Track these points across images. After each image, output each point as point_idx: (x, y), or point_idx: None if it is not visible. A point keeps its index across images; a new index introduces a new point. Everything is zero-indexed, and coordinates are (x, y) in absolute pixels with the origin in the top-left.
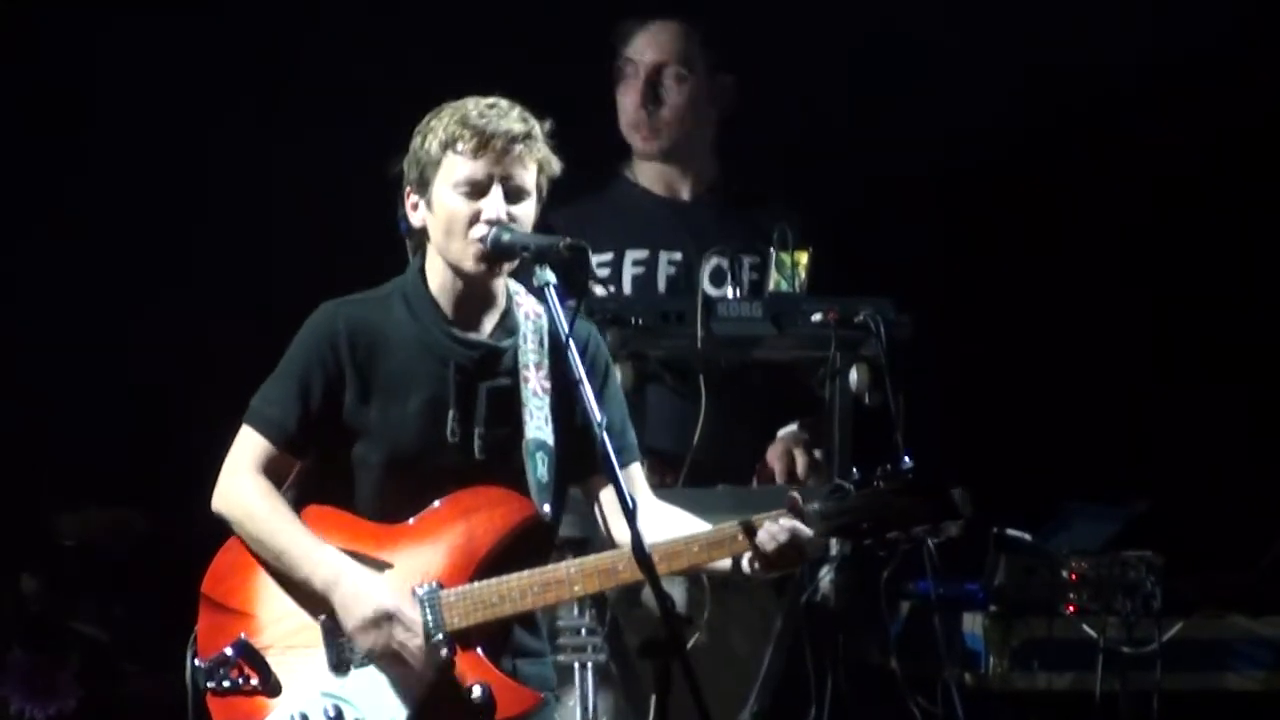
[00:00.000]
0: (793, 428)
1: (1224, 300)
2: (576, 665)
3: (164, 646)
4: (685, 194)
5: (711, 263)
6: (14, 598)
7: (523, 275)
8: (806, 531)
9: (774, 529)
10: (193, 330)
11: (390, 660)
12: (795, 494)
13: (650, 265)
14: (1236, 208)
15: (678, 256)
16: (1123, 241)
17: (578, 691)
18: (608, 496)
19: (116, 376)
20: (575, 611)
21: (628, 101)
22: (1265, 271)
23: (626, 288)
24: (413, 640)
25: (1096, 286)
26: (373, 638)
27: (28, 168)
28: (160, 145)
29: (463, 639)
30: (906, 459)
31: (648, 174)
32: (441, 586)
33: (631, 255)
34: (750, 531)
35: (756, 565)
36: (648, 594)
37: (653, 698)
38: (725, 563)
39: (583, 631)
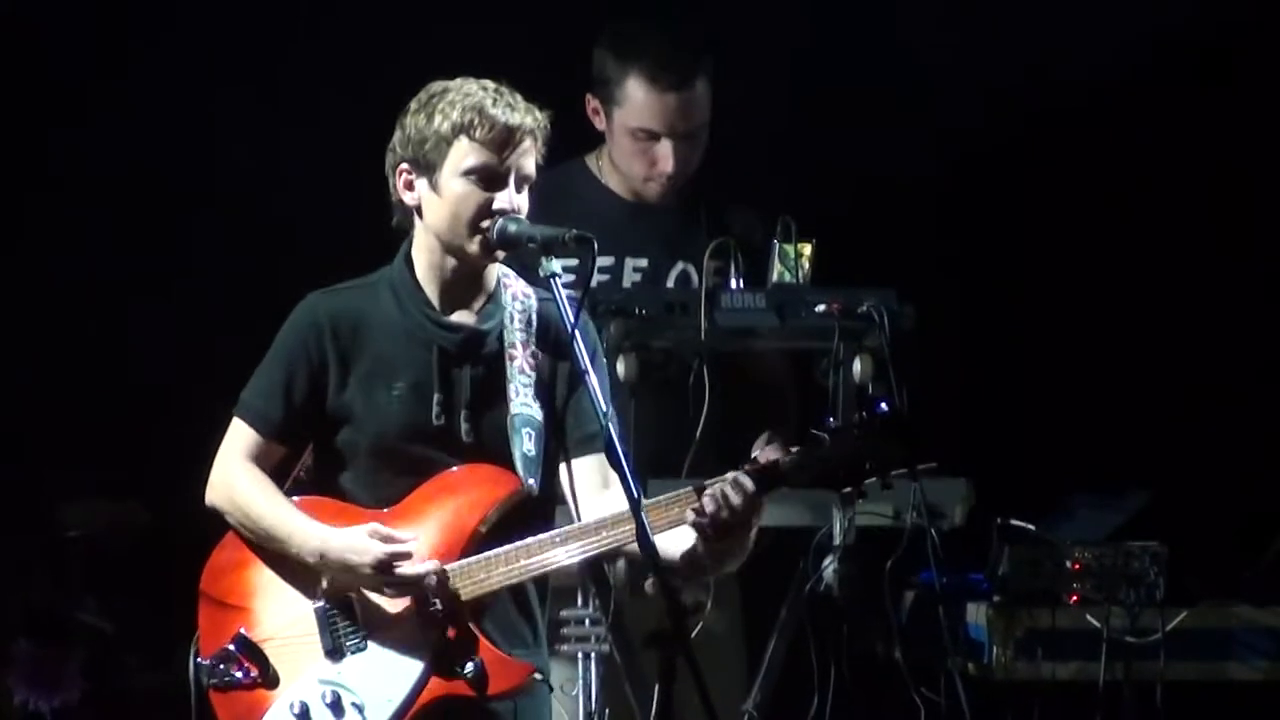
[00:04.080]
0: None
1: (1226, 291)
2: (580, 656)
3: (168, 639)
4: (654, 199)
5: (678, 269)
6: (19, 589)
7: (515, 261)
8: (746, 485)
9: (721, 487)
10: (197, 323)
11: (408, 593)
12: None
13: (615, 272)
14: (1237, 202)
15: (643, 263)
16: (1124, 233)
17: (581, 682)
18: (581, 478)
19: (121, 368)
20: (579, 602)
21: (649, 162)
22: (1266, 265)
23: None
24: (415, 566)
25: (1099, 277)
26: (386, 587)
27: (28, 159)
28: (161, 138)
29: (454, 615)
30: (882, 405)
31: (617, 176)
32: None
33: (598, 261)
34: (700, 490)
35: (706, 530)
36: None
37: (656, 688)
38: (680, 547)
39: (586, 622)
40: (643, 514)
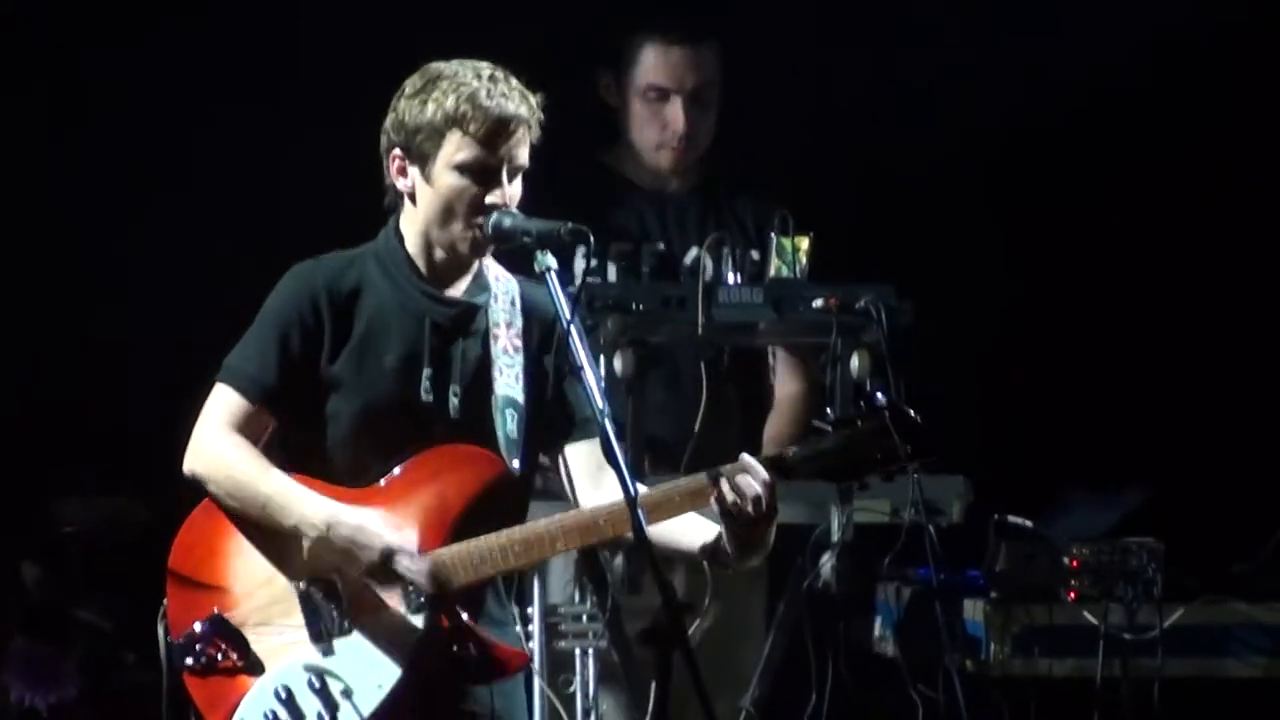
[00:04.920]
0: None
1: (1225, 287)
2: (577, 652)
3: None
4: (670, 186)
5: (691, 255)
6: (15, 586)
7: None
8: (762, 473)
9: (743, 477)
10: (197, 320)
11: (394, 591)
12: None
13: (632, 258)
14: (1236, 196)
15: (660, 249)
16: (1123, 229)
17: (578, 679)
18: (577, 464)
19: (120, 365)
20: (576, 598)
21: (661, 125)
22: (1266, 259)
23: (610, 279)
24: (418, 566)
25: (1097, 273)
26: (383, 575)
27: (27, 156)
28: (162, 134)
29: (443, 601)
30: (880, 396)
31: (631, 163)
32: (420, 552)
33: (615, 248)
34: (718, 479)
35: (731, 518)
36: (648, 580)
37: (653, 685)
38: (702, 539)
39: (583, 618)
40: (640, 510)
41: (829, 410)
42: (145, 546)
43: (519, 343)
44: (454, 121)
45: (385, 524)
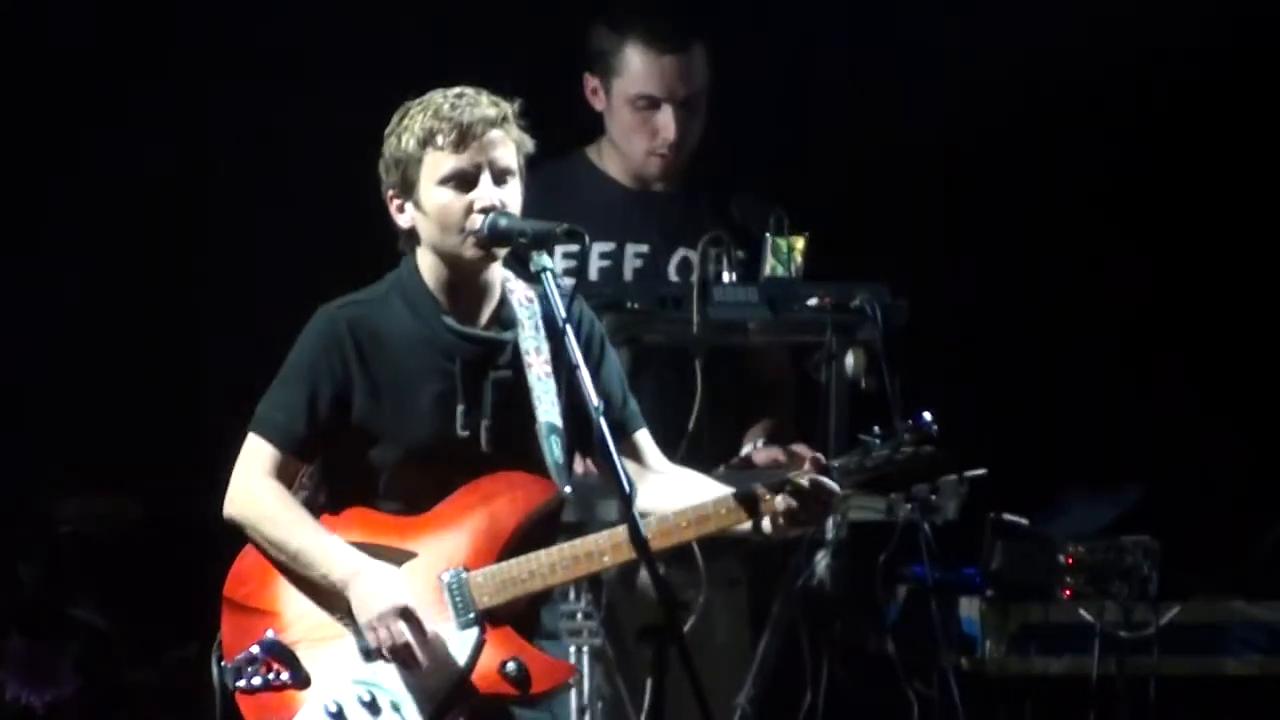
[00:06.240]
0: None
1: (1222, 286)
2: (573, 649)
3: (162, 634)
4: (655, 185)
5: (678, 255)
6: (11, 585)
7: (511, 256)
8: (832, 486)
9: (800, 486)
10: (191, 319)
11: (397, 659)
12: (819, 455)
13: (616, 258)
14: (1233, 196)
15: (644, 249)
16: (1121, 226)
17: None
18: (629, 463)
19: (115, 364)
20: (572, 596)
21: (650, 133)
22: (1263, 258)
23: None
24: (424, 643)
25: (1094, 270)
26: (383, 633)
27: (31, 160)
28: (162, 135)
29: (492, 616)
30: (927, 416)
31: (617, 163)
32: (467, 570)
33: (598, 248)
34: (776, 489)
35: (780, 523)
36: (644, 578)
37: (649, 682)
38: (745, 525)
39: (579, 616)
40: (635, 511)
41: (875, 428)
42: (141, 545)
43: (549, 367)
44: (426, 141)
45: (424, 564)
